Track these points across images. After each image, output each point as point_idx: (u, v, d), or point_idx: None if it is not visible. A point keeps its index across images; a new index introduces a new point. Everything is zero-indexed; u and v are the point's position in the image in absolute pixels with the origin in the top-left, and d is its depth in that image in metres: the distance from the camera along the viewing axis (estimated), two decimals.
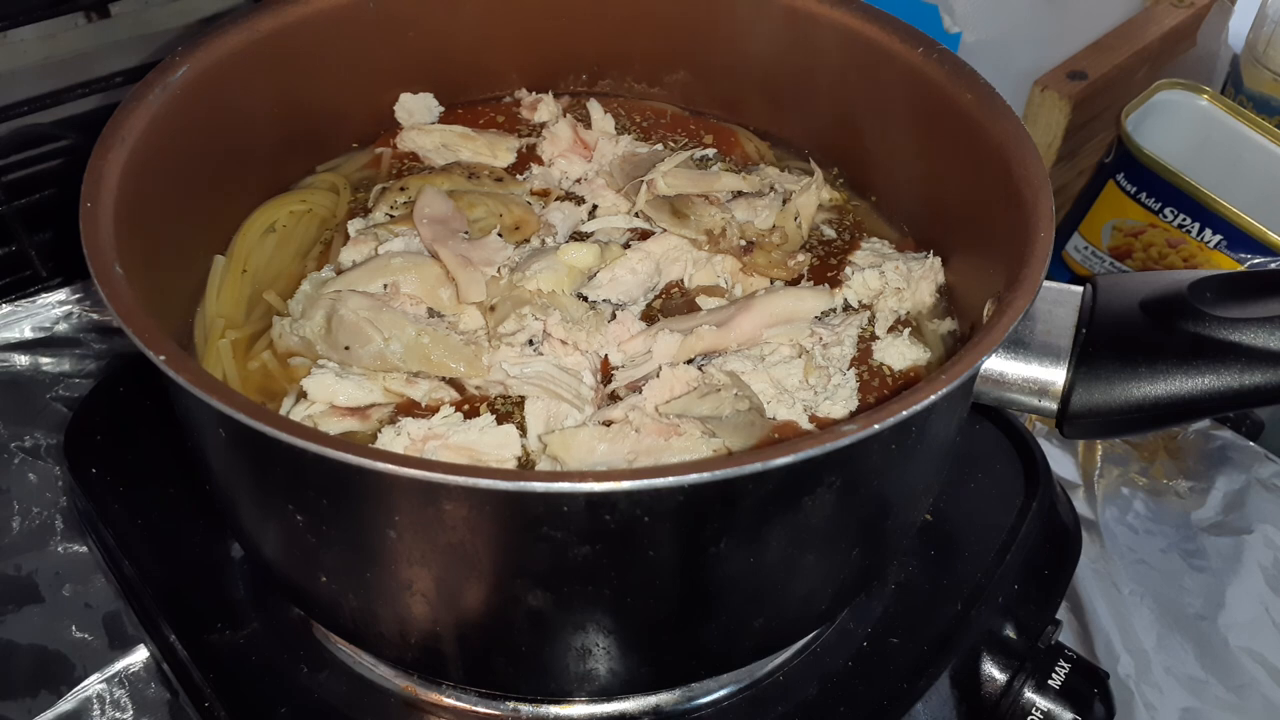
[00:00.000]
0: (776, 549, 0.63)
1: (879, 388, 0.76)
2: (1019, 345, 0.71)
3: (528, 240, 0.84)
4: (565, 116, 0.95)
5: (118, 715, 0.89)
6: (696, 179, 0.87)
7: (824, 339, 0.77)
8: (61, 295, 1.15)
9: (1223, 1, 1.46)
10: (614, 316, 0.78)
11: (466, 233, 0.82)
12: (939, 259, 0.82)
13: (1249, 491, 1.09)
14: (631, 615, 0.65)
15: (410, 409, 0.72)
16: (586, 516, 0.57)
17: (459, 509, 0.57)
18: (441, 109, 0.98)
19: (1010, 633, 0.85)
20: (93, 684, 0.90)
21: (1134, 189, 1.23)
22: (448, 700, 0.78)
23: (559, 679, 0.70)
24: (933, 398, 0.57)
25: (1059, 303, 0.72)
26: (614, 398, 0.73)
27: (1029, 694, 0.81)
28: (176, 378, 0.57)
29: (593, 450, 0.67)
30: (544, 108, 0.98)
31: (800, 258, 0.84)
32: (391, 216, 0.85)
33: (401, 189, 0.87)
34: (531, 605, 0.63)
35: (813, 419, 0.72)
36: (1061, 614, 0.93)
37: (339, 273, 0.80)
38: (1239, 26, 1.46)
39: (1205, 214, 1.19)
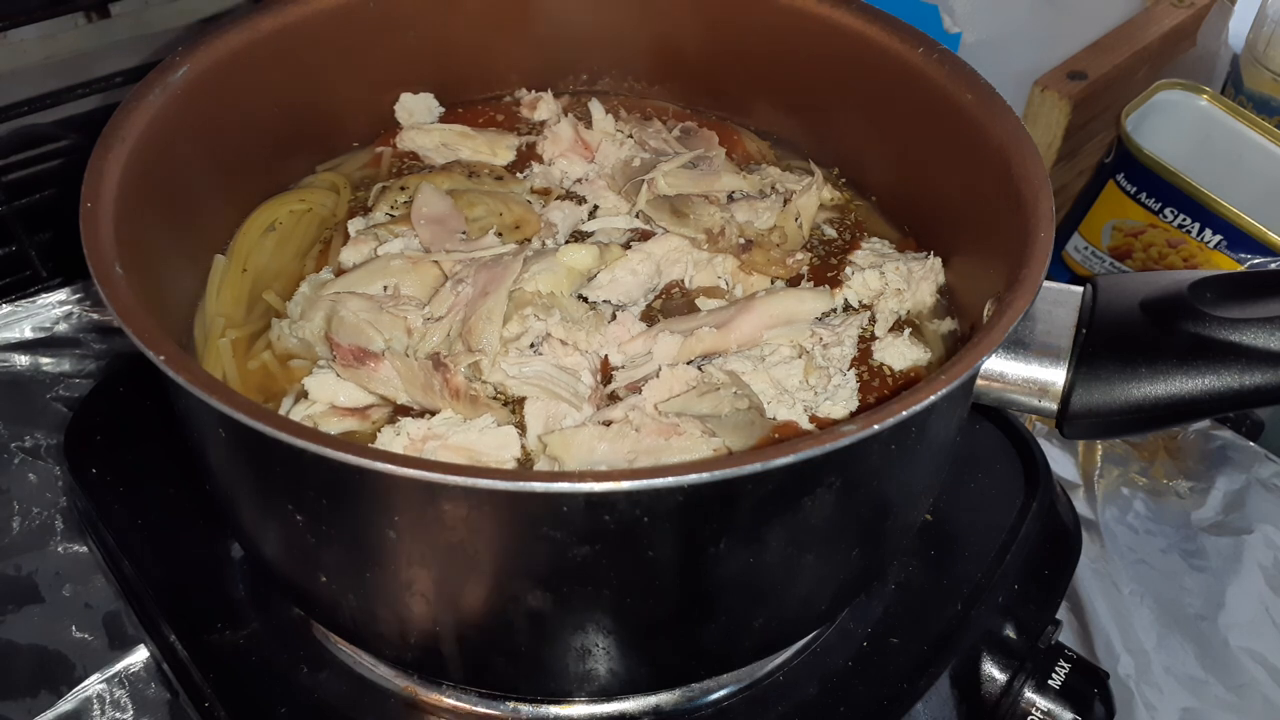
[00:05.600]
0: (776, 549, 0.63)
1: (879, 388, 0.76)
2: (1019, 345, 0.71)
3: (528, 240, 0.84)
4: (566, 116, 0.95)
5: (118, 715, 0.89)
6: (697, 179, 0.87)
7: (824, 339, 0.77)
8: (61, 295, 1.15)
9: (1223, 1, 1.46)
10: (614, 317, 0.78)
11: (464, 232, 0.82)
12: (939, 259, 0.82)
13: (1249, 491, 1.09)
14: (631, 615, 0.65)
15: (410, 409, 0.72)
16: (586, 516, 0.57)
17: (458, 509, 0.57)
18: (442, 109, 0.98)
19: (1010, 633, 0.85)
20: (93, 684, 0.90)
21: (1134, 189, 1.23)
22: (448, 700, 0.79)
23: (559, 679, 0.70)
24: (933, 398, 0.57)
25: (1059, 303, 0.72)
26: (614, 398, 0.73)
27: (1029, 694, 0.81)
28: (176, 378, 0.57)
29: (592, 450, 0.67)
30: (544, 106, 0.98)
31: (799, 256, 0.84)
32: (392, 216, 0.85)
33: (402, 188, 0.87)
34: (531, 605, 0.63)
35: (813, 419, 0.72)
36: (1061, 614, 0.93)
37: (338, 273, 0.80)
38: (1239, 26, 1.46)
39: (1205, 214, 1.19)
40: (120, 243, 0.66)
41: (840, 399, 0.73)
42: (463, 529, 0.58)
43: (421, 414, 0.71)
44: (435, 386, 0.69)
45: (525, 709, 0.78)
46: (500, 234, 0.84)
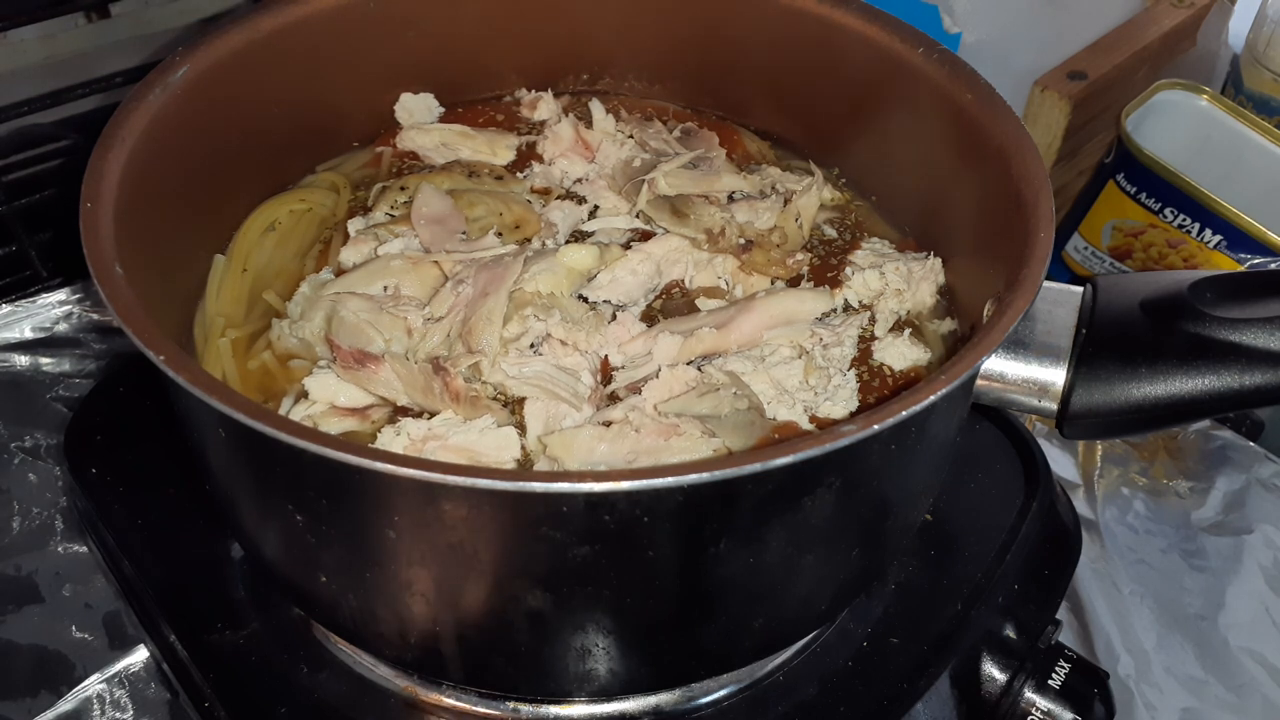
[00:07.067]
0: (776, 549, 0.63)
1: (879, 388, 0.76)
2: (1019, 345, 0.71)
3: (529, 240, 0.84)
4: (567, 116, 0.95)
5: (118, 715, 0.89)
6: (697, 179, 0.87)
7: (824, 340, 0.77)
8: (61, 295, 1.15)
9: (1223, 1, 1.46)
10: (614, 317, 0.78)
11: (464, 233, 0.82)
12: (939, 259, 0.82)
13: (1249, 491, 1.09)
14: (631, 615, 0.65)
15: (410, 410, 0.72)
16: (586, 517, 0.57)
17: (458, 509, 0.57)
18: (442, 109, 0.98)
19: (1010, 633, 0.85)
20: (93, 684, 0.90)
21: (1134, 189, 1.23)
22: (448, 700, 0.79)
23: (559, 679, 0.70)
24: (932, 398, 0.57)
25: (1059, 303, 0.72)
26: (614, 399, 0.73)
27: (1029, 694, 0.81)
28: (176, 378, 0.57)
29: (593, 450, 0.67)
30: (544, 105, 0.98)
31: (799, 256, 0.84)
32: (391, 216, 0.85)
33: (402, 188, 0.87)
34: (531, 605, 0.63)
35: (813, 419, 0.72)
36: (1061, 614, 0.93)
37: (338, 273, 0.80)
38: (1239, 26, 1.46)
39: (1205, 214, 1.19)
40: (120, 243, 0.66)
41: (840, 399, 0.73)
42: (463, 529, 0.58)
43: (421, 414, 0.71)
44: (435, 389, 0.69)
45: (525, 709, 0.78)
46: (500, 234, 0.84)
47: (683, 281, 0.83)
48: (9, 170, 1.28)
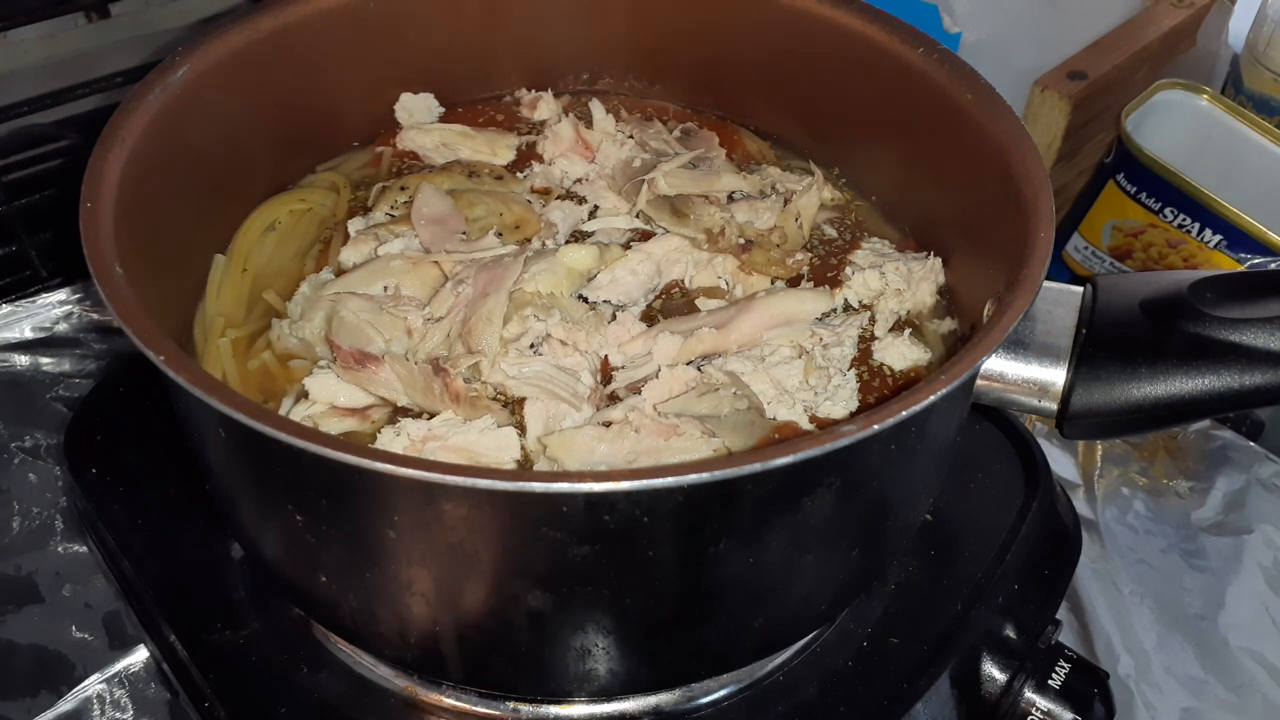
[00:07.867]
0: (776, 549, 0.63)
1: (879, 388, 0.76)
2: (1019, 345, 0.71)
3: (529, 240, 0.84)
4: (567, 116, 0.95)
5: (118, 715, 0.89)
6: (697, 179, 0.87)
7: (824, 339, 0.77)
8: (61, 295, 1.15)
9: (1223, 1, 1.46)
10: (614, 317, 0.78)
11: (464, 233, 0.82)
12: (939, 259, 0.82)
13: (1249, 491, 1.09)
14: (631, 615, 0.65)
15: (410, 410, 0.72)
16: (586, 517, 0.57)
17: (458, 509, 0.57)
18: (442, 109, 0.98)
19: (1010, 633, 0.85)
20: (93, 684, 0.90)
21: (1134, 189, 1.23)
22: (448, 700, 0.79)
23: (559, 679, 0.70)
24: (932, 398, 0.57)
25: (1059, 303, 0.72)
26: (614, 399, 0.73)
27: (1029, 694, 0.81)
28: (176, 378, 0.57)
29: (592, 451, 0.67)
30: (544, 105, 0.98)
31: (799, 256, 0.84)
32: (392, 216, 0.85)
33: (402, 188, 0.88)
34: (531, 605, 0.63)
35: (813, 419, 0.72)
36: (1061, 614, 0.93)
37: (338, 273, 0.80)
38: (1239, 26, 1.46)
39: (1205, 214, 1.19)
40: (120, 243, 0.66)
41: (840, 399, 0.73)
42: (462, 529, 0.58)
43: (421, 414, 0.71)
44: (435, 390, 0.69)
45: (525, 709, 0.78)
46: (500, 234, 0.84)
47: (683, 281, 0.83)
48: (9, 170, 1.28)
